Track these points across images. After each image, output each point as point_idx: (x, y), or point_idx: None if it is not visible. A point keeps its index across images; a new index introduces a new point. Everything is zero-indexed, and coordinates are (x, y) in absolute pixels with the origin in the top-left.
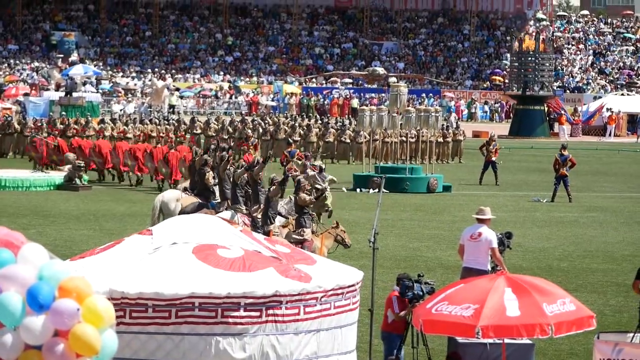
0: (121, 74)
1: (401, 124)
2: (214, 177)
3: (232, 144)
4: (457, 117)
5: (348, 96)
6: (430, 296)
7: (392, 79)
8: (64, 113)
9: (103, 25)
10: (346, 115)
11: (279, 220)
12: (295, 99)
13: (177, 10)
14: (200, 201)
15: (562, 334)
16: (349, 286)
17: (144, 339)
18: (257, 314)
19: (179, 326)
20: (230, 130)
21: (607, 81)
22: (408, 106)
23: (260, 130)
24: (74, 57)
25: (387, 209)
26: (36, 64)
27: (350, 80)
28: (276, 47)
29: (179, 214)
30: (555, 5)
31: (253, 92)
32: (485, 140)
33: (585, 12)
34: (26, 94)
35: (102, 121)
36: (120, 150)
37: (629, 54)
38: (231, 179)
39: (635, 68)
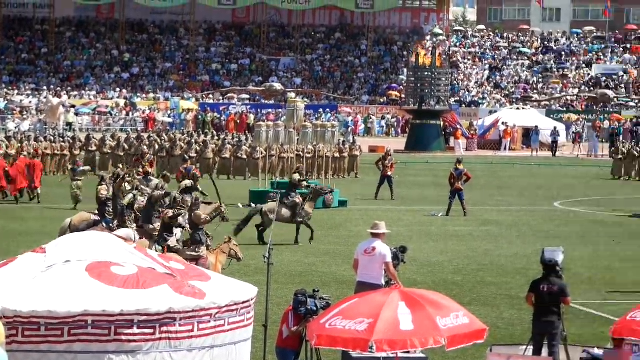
0: (16, 91)
1: (298, 140)
2: (106, 191)
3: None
4: (353, 132)
5: (245, 112)
6: (325, 311)
7: (290, 95)
8: None
9: None
10: (243, 131)
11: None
12: (192, 115)
13: (73, 27)
14: (95, 218)
15: (455, 347)
16: (243, 302)
17: (37, 357)
18: (151, 331)
19: (71, 344)
20: (126, 147)
21: (503, 95)
22: (305, 122)
23: (157, 146)
24: None
25: (283, 224)
26: None
27: (248, 96)
28: (173, 64)
29: (71, 231)
30: (451, 20)
31: (149, 108)
32: (382, 155)
33: (482, 26)
34: None
35: None
36: (18, 167)
37: (524, 68)
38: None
39: (531, 82)
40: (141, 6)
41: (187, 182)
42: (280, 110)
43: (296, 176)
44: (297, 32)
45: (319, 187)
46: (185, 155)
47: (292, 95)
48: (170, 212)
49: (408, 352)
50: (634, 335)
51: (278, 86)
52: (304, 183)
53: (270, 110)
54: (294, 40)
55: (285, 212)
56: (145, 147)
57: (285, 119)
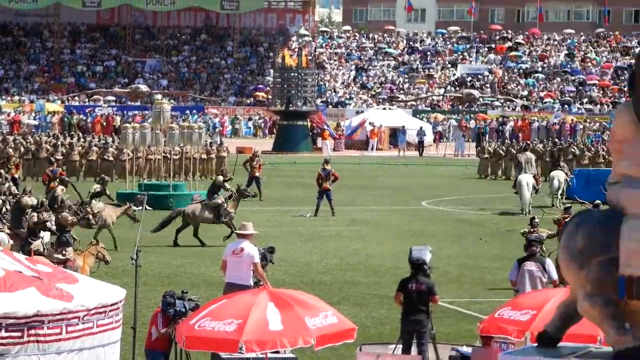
0: None
1: (165, 141)
2: None
3: None
4: (221, 133)
5: (111, 114)
6: (194, 312)
7: (156, 96)
8: None
9: None
10: (109, 133)
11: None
12: (58, 117)
13: None
14: None
15: (324, 346)
16: (112, 304)
17: None
18: (19, 334)
19: None
20: None
21: (369, 96)
22: (171, 123)
23: (22, 149)
24: None
25: (150, 226)
26: None
27: (113, 98)
28: (38, 66)
29: None
30: (317, 21)
31: (14, 111)
32: (249, 156)
33: (347, 27)
34: None
35: None
36: None
37: (390, 69)
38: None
39: (397, 82)
40: (5, 8)
41: (97, 187)
42: (146, 112)
43: (220, 178)
44: (162, 33)
45: (243, 189)
46: (51, 158)
47: (158, 96)
48: (35, 217)
49: (277, 352)
50: (502, 333)
51: (144, 88)
52: (227, 184)
53: (136, 112)
54: (160, 41)
55: (208, 213)
56: (10, 150)
57: (152, 120)
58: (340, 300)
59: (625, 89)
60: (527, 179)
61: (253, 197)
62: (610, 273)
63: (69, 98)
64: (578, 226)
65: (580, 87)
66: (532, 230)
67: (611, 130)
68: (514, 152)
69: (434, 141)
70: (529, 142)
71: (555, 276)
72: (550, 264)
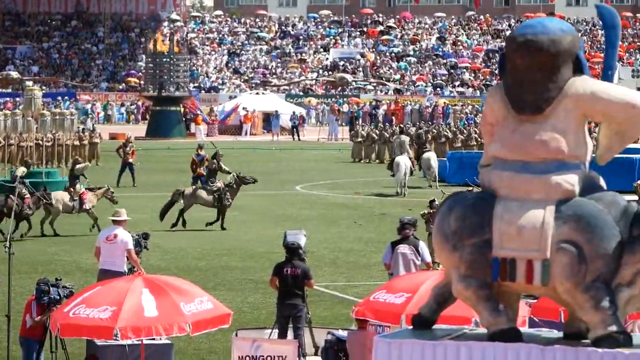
0: None
1: (37, 128)
2: None
3: None
4: (93, 119)
5: None
6: (68, 300)
7: (27, 83)
8: None
9: None
10: None
11: None
12: None
13: None
14: None
15: (200, 332)
16: None
17: None
18: None
19: None
20: None
21: (242, 80)
22: (43, 110)
23: None
24: None
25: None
26: None
27: None
28: None
29: None
30: (188, 6)
31: None
32: (122, 142)
33: (219, 12)
34: None
35: None
36: None
37: (262, 53)
38: None
39: (270, 67)
40: None
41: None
42: (17, 98)
43: (213, 162)
44: (32, 19)
45: (243, 175)
46: None
47: (29, 83)
48: None
49: (153, 338)
50: (377, 317)
51: (15, 74)
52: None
53: (7, 98)
54: (30, 28)
55: (207, 196)
56: None
57: (23, 107)
58: (215, 286)
59: (497, 71)
60: (404, 160)
61: (254, 183)
62: (483, 255)
63: None
64: (451, 208)
65: (452, 70)
66: (431, 211)
67: (482, 112)
68: (387, 135)
69: (299, 125)
70: (402, 125)
71: (428, 259)
72: (423, 246)
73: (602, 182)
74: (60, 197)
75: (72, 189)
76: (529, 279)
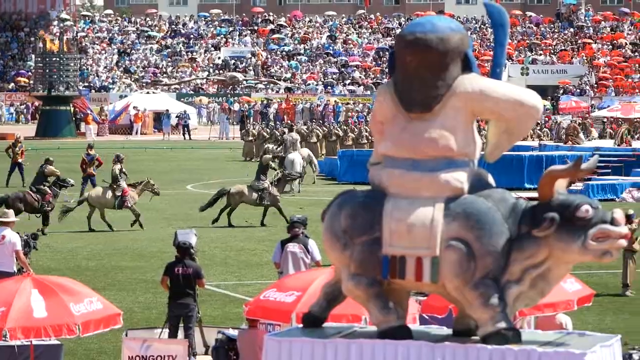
0: None
1: None
2: None
3: None
4: None
5: None
6: None
7: None
8: None
9: None
10: None
11: None
12: None
13: None
14: None
15: (90, 332)
16: None
17: None
18: None
19: None
20: None
21: (133, 80)
22: None
23: None
24: None
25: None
26: None
27: None
28: None
29: None
30: (78, 5)
31: None
32: (11, 142)
33: (109, 11)
34: None
35: None
36: None
37: (153, 52)
38: None
39: (160, 66)
40: None
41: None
42: None
43: (267, 157)
44: None
45: (287, 172)
46: None
47: None
48: None
49: (43, 339)
50: (267, 315)
51: None
52: (273, 164)
53: None
54: None
55: (253, 195)
56: None
57: None
58: (106, 286)
59: (387, 70)
60: (297, 158)
61: (300, 178)
62: (374, 253)
63: None
64: (341, 206)
65: (343, 69)
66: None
67: (372, 111)
68: (278, 134)
69: (176, 126)
70: (292, 122)
71: (318, 257)
72: (313, 244)
73: (491, 180)
74: None
75: None
76: (419, 276)
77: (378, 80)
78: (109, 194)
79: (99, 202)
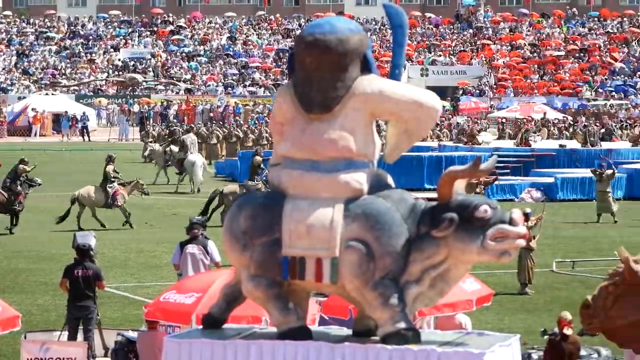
0: None
1: None
2: None
3: None
4: None
5: None
6: None
7: None
8: None
9: None
10: None
11: None
12: None
13: None
14: None
15: None
16: None
17: None
18: None
19: None
20: None
21: (32, 81)
22: None
23: None
24: None
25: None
26: None
27: None
28: None
29: None
30: None
31: None
32: None
33: (8, 12)
34: None
35: None
36: None
37: (52, 54)
38: None
39: (59, 67)
40: None
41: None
42: None
43: (258, 159)
44: None
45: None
46: None
47: None
48: None
49: None
50: (167, 317)
51: None
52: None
53: None
54: None
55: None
56: None
57: None
58: (5, 288)
59: (287, 71)
60: (197, 159)
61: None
62: (273, 254)
63: None
64: (240, 208)
65: (243, 70)
66: None
67: (272, 112)
68: (178, 135)
69: (71, 127)
70: (192, 124)
71: (218, 258)
72: (212, 246)
73: (391, 180)
74: None
75: None
76: (319, 277)
77: (278, 82)
78: (100, 192)
79: (89, 201)
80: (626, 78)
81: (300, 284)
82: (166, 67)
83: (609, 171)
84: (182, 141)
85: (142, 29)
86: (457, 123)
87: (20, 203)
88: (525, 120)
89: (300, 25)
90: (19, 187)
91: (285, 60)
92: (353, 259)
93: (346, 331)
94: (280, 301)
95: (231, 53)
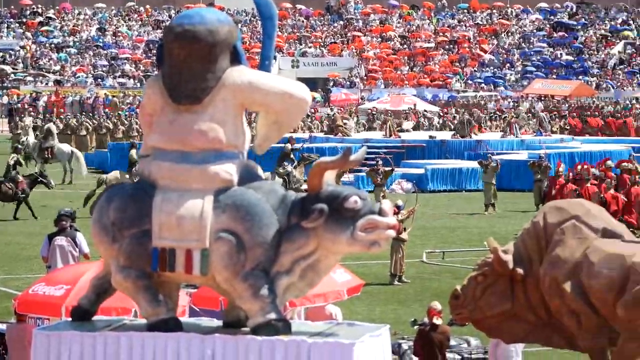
0: None
1: None
2: None
3: None
4: None
5: None
6: None
7: None
8: None
9: None
10: None
11: None
12: None
13: None
14: None
15: None
16: None
17: None
18: None
19: None
20: None
21: None
22: None
23: None
24: None
25: None
26: None
27: None
28: None
29: None
30: None
31: None
32: None
33: None
34: None
35: None
36: None
37: None
38: None
39: None
40: None
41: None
42: None
43: (288, 146)
44: None
45: (307, 154)
46: None
47: None
48: None
49: None
50: (36, 310)
51: None
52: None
53: None
54: None
55: (279, 180)
56: None
57: None
58: None
59: (156, 62)
60: (65, 147)
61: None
62: (143, 245)
63: None
64: (110, 199)
65: (113, 61)
66: None
67: (141, 103)
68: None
69: None
70: (61, 117)
71: (86, 250)
72: (81, 237)
73: (261, 171)
74: None
75: None
76: (189, 268)
77: (148, 73)
78: (126, 178)
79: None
80: (495, 70)
81: (170, 275)
82: (35, 59)
83: (494, 163)
84: (47, 129)
85: (11, 20)
86: (327, 114)
87: (25, 190)
88: (391, 113)
89: (170, 16)
90: (18, 176)
91: (155, 51)
92: (223, 250)
93: (217, 322)
94: (149, 293)
95: (101, 44)
